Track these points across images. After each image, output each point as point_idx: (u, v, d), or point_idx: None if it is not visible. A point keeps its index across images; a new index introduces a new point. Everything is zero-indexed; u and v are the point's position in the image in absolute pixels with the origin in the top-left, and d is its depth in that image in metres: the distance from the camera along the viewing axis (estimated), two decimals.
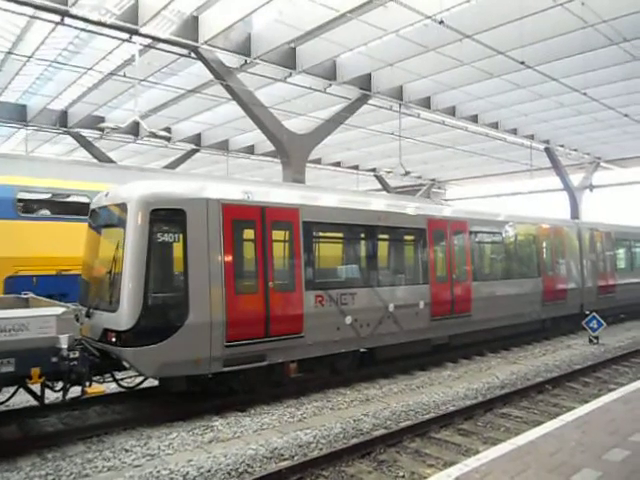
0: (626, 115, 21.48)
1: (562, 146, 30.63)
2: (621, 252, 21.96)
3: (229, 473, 6.21)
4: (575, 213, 32.65)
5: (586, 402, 8.14)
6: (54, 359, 6.72)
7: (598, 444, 5.52)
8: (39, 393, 7.34)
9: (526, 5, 13.49)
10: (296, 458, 6.69)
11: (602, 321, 15.04)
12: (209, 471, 6.21)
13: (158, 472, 6.16)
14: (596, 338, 15.17)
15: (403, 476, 6.33)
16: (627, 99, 21.49)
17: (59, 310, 6.93)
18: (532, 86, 19.71)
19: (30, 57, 17.10)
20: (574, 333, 17.12)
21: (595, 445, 5.49)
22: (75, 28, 14.90)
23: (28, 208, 11.41)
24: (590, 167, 34.57)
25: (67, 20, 13.99)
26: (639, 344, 15.30)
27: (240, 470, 6.30)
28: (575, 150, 31.64)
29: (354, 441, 7.22)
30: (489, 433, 7.85)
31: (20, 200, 11.08)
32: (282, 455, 6.78)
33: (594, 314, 15.33)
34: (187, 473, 6.13)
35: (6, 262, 10.34)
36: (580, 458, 5.16)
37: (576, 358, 13.22)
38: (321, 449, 7.02)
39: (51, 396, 7.90)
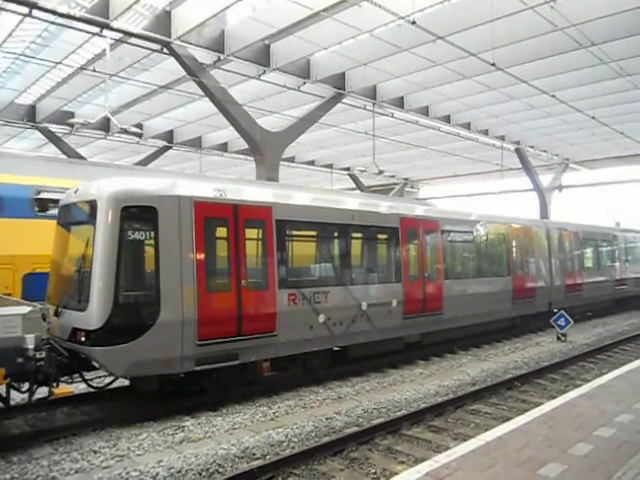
0: (593, 117, 21.96)
1: (532, 147, 31.24)
2: (588, 251, 22.50)
3: (200, 473, 6.17)
4: (544, 213, 33.34)
5: (553, 398, 8.33)
6: (20, 359, 6.56)
7: (564, 439, 5.65)
8: (4, 394, 7.16)
9: (497, 7, 13.69)
10: (268, 457, 6.68)
11: (570, 319, 15.38)
12: (179, 472, 6.15)
13: (127, 473, 6.08)
14: (564, 335, 15.51)
15: (375, 473, 6.38)
16: (594, 102, 22.02)
17: (25, 309, 6.77)
18: (503, 88, 20.03)
19: None
20: (543, 331, 17.48)
21: (561, 440, 5.62)
22: (44, 21, 14.55)
23: (44, 207, 11.69)
24: (559, 168, 35.34)
25: (35, 12, 13.63)
26: (604, 341, 15.73)
27: (211, 470, 6.26)
28: (545, 151, 32.30)
29: (326, 439, 7.25)
30: (459, 429, 7.97)
31: (36, 199, 11.56)
32: (254, 454, 6.76)
33: (562, 312, 15.67)
34: (157, 474, 6.06)
35: (24, 260, 10.77)
36: (546, 453, 5.27)
37: (544, 355, 13.50)
38: (293, 448, 7.03)
39: (17, 397, 7.71)
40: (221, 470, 6.29)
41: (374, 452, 7.08)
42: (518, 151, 30.71)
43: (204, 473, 6.18)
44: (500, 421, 7.80)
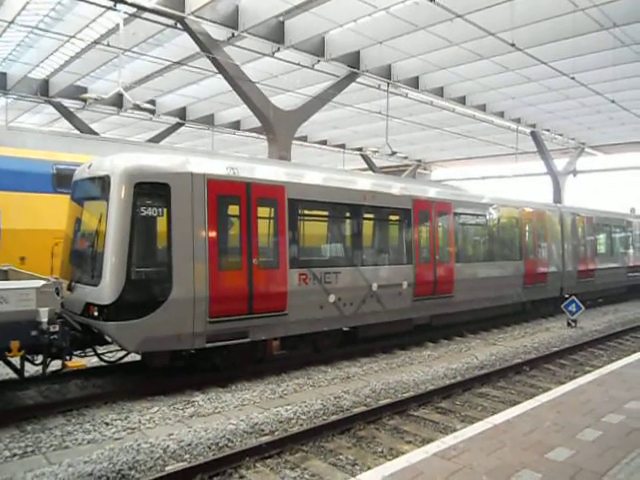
0: (613, 101, 21.53)
1: (548, 130, 30.72)
2: (601, 237, 22.30)
3: (209, 447, 6.26)
4: (558, 197, 32.94)
5: (562, 383, 8.33)
6: (34, 332, 6.67)
7: (572, 424, 5.65)
8: (18, 366, 7.29)
9: None
10: (276, 433, 6.76)
11: (581, 305, 15.30)
12: (189, 445, 6.24)
13: (138, 445, 6.18)
14: (574, 321, 15.45)
15: (381, 452, 6.43)
16: (615, 85, 21.49)
17: (39, 283, 6.85)
18: (521, 69, 19.64)
19: (10, 23, 16.55)
20: (553, 316, 17.44)
21: (569, 425, 5.62)
22: None
23: (63, 182, 11.66)
24: (575, 152, 34.80)
25: None
26: (615, 328, 15.65)
27: (220, 444, 6.35)
28: (560, 135, 31.76)
29: (334, 418, 7.32)
30: (467, 412, 8.00)
31: (56, 175, 11.75)
32: (262, 430, 6.84)
33: (573, 298, 15.58)
34: (167, 446, 6.16)
35: (47, 234, 10.91)
36: (554, 437, 5.28)
37: (554, 340, 13.47)
38: (301, 425, 7.10)
39: (31, 369, 7.85)
40: (230, 445, 6.38)
41: (381, 431, 7.14)
42: (534, 134, 30.22)
43: (213, 447, 6.28)
44: (508, 405, 7.82)
